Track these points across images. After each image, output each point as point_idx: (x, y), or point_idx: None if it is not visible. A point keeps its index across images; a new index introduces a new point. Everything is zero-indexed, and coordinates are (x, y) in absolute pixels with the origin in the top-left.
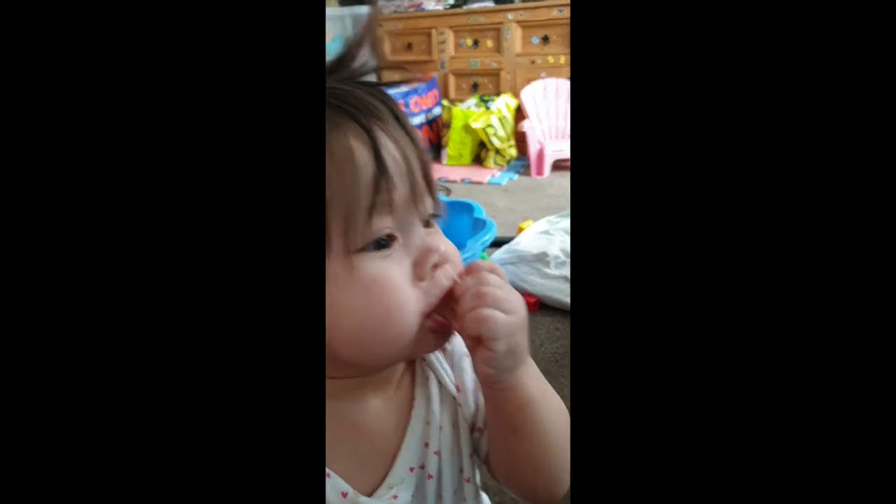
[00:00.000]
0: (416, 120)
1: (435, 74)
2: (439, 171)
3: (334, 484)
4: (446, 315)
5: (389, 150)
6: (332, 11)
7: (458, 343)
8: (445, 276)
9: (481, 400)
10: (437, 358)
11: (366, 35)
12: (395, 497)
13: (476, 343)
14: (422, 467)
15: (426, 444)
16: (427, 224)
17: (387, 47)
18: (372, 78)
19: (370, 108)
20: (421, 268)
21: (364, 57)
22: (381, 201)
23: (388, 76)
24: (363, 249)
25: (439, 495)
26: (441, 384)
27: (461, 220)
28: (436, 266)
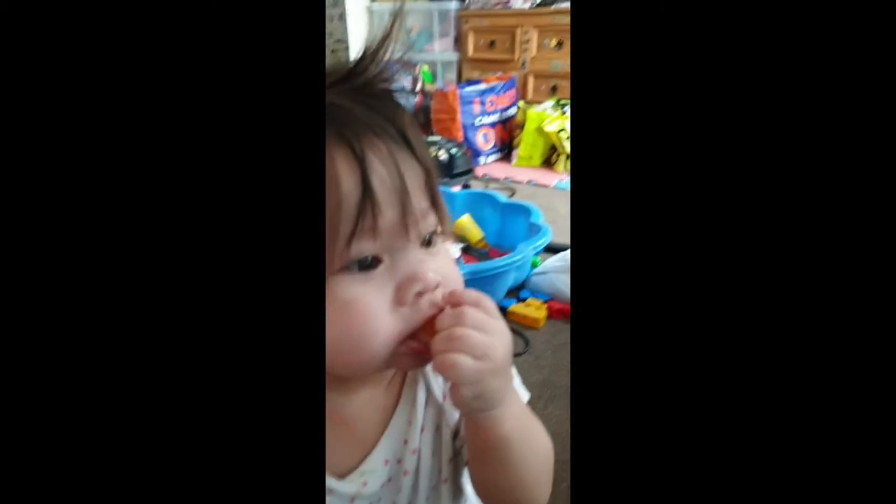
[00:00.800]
0: (490, 119)
1: (515, 74)
2: (507, 171)
3: None
4: (427, 341)
5: (380, 174)
6: (419, 5)
7: None
8: (429, 304)
9: None
10: (430, 367)
11: (383, 44)
12: (364, 484)
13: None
14: (398, 462)
15: (405, 442)
16: (429, 242)
17: (470, 44)
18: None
19: (367, 126)
20: (402, 293)
21: (380, 66)
22: (363, 227)
23: (468, 73)
24: (344, 270)
25: (415, 490)
26: (429, 390)
27: (517, 222)
28: (420, 293)
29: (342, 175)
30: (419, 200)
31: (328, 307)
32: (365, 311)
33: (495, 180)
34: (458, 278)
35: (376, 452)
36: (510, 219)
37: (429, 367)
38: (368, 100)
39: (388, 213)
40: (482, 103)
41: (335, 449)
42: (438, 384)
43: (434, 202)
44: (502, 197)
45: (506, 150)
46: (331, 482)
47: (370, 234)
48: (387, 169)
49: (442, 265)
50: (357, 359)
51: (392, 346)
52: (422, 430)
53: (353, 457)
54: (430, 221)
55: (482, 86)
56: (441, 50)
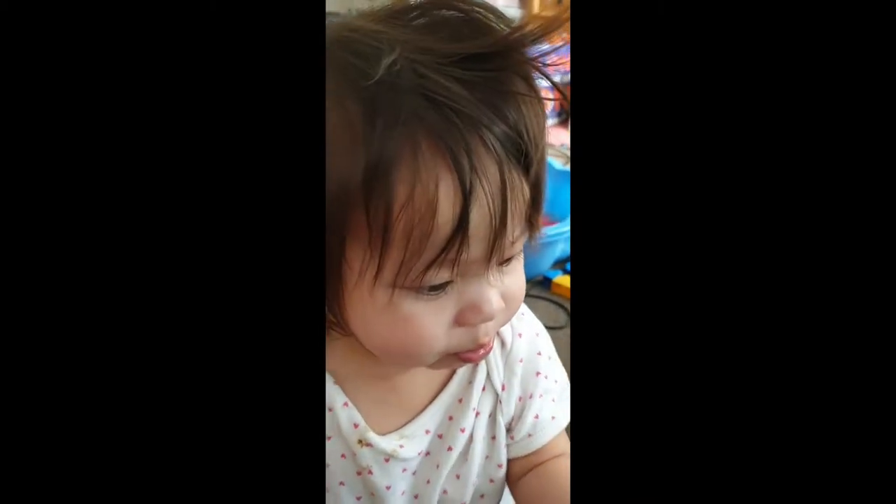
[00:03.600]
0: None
1: None
2: (564, 138)
3: (350, 414)
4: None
5: (483, 209)
6: None
7: (518, 345)
8: (485, 331)
9: (526, 412)
10: (493, 351)
11: (552, 27)
12: (401, 446)
13: None
14: (440, 436)
15: (451, 418)
16: (508, 261)
17: (535, 1)
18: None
19: (486, 145)
20: (463, 319)
21: (534, 53)
22: (445, 259)
23: (530, 31)
24: (413, 288)
25: (458, 475)
26: (489, 376)
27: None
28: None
29: (442, 205)
30: (514, 230)
31: (387, 315)
32: (423, 328)
33: (551, 146)
34: (521, 295)
35: (419, 420)
36: (564, 187)
37: (492, 355)
38: (499, 99)
39: (475, 250)
40: (542, 64)
41: (379, 409)
42: (499, 372)
43: (531, 224)
44: (557, 164)
45: (565, 115)
46: (371, 436)
47: (450, 264)
48: (491, 203)
49: (510, 283)
50: (404, 360)
51: (441, 356)
52: (476, 413)
53: (395, 419)
54: (516, 248)
55: (545, 45)
56: (504, 4)
